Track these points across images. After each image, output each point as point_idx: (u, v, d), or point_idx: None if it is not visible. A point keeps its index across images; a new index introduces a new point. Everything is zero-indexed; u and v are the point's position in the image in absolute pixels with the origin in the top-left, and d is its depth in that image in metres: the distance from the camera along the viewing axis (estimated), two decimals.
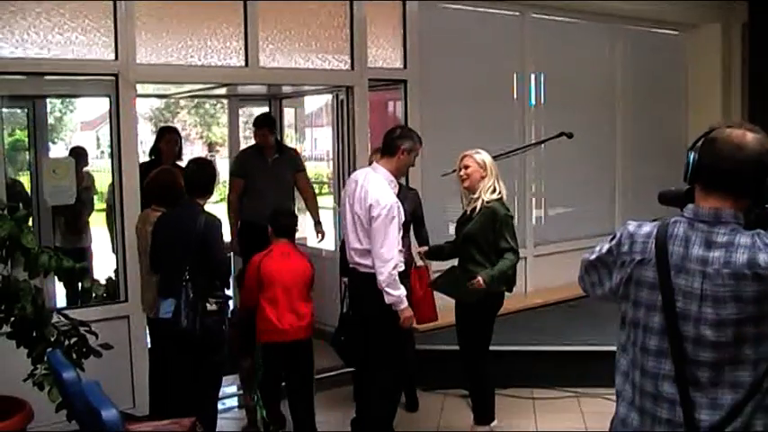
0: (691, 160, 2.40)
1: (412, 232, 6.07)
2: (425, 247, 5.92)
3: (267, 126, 7.44)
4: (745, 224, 2.36)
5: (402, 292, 5.09)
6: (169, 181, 5.61)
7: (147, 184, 5.73)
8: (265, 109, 9.45)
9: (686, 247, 2.35)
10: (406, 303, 5.12)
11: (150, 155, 7.42)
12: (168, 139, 7.38)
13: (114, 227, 6.16)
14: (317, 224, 7.44)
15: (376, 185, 5.16)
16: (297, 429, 5.56)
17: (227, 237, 7.46)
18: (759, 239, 2.28)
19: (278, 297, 5.37)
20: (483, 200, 5.43)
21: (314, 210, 7.53)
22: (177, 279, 5.01)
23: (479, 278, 5.27)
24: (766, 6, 9.44)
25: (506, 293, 5.66)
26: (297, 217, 6.17)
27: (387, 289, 5.06)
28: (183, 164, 7.93)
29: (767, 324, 2.28)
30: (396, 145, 5.25)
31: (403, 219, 5.23)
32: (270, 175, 7.29)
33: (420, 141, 5.37)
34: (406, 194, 5.84)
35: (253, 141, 7.73)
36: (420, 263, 6.01)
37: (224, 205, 8.29)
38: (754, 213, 2.41)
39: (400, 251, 5.20)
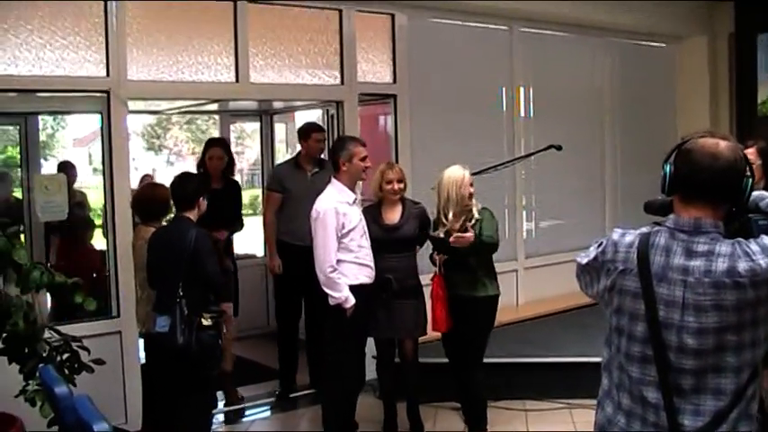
0: (667, 172, 2.44)
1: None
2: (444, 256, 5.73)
3: (321, 130, 7.03)
4: (728, 233, 2.39)
5: (342, 294, 5.33)
6: (147, 197, 5.64)
7: (131, 201, 5.76)
8: (257, 125, 9.47)
9: (667, 257, 2.38)
10: (350, 303, 5.35)
11: (198, 168, 7.16)
12: (212, 154, 6.99)
13: (107, 243, 6.15)
14: None
15: (321, 198, 5.53)
16: None
17: (260, 254, 7.32)
18: (739, 248, 2.30)
19: None
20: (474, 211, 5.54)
21: None
22: (171, 295, 5.02)
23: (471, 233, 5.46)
24: (752, 17, 9.52)
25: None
26: None
27: (327, 290, 5.37)
28: (237, 178, 7.71)
29: (748, 332, 2.31)
30: (335, 160, 5.59)
31: (351, 227, 5.41)
32: (310, 191, 6.31)
33: (358, 142, 5.59)
34: (411, 209, 5.85)
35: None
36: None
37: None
38: (738, 222, 2.44)
39: (362, 264, 5.47)
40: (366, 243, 5.54)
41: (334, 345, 5.57)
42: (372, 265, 5.56)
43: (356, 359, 5.61)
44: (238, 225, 7.17)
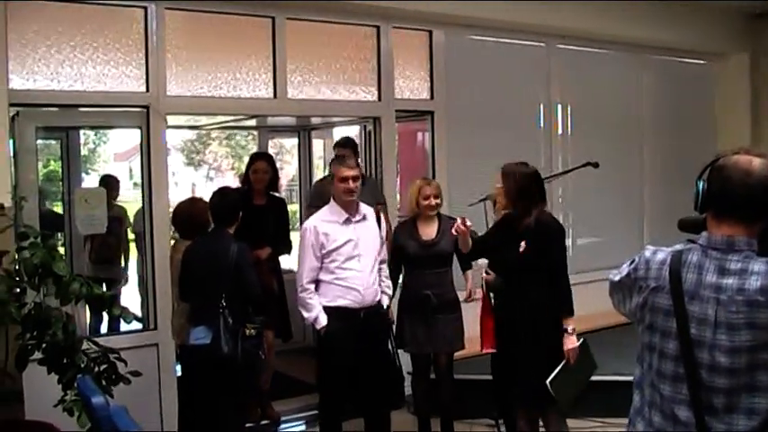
0: (700, 189, 2.42)
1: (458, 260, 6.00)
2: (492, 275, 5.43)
3: (351, 147, 6.77)
4: (761, 251, 2.36)
5: (312, 315, 5.26)
6: (186, 212, 5.71)
7: (171, 216, 5.83)
8: (295, 140, 9.51)
9: (700, 275, 2.36)
10: (320, 325, 5.25)
11: (243, 183, 7.02)
12: (256, 167, 6.73)
13: (144, 256, 6.21)
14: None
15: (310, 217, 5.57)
16: None
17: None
18: None
19: None
20: None
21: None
22: (212, 307, 5.08)
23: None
24: None
25: None
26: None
27: (300, 309, 5.36)
28: (280, 194, 7.45)
29: None
30: None
31: (332, 247, 5.26)
32: None
33: (343, 162, 5.48)
34: (447, 224, 5.71)
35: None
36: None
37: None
38: None
39: (347, 287, 5.27)
40: (359, 265, 5.33)
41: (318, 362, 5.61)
42: (361, 289, 5.32)
43: (330, 381, 5.44)
44: (284, 246, 6.89)
